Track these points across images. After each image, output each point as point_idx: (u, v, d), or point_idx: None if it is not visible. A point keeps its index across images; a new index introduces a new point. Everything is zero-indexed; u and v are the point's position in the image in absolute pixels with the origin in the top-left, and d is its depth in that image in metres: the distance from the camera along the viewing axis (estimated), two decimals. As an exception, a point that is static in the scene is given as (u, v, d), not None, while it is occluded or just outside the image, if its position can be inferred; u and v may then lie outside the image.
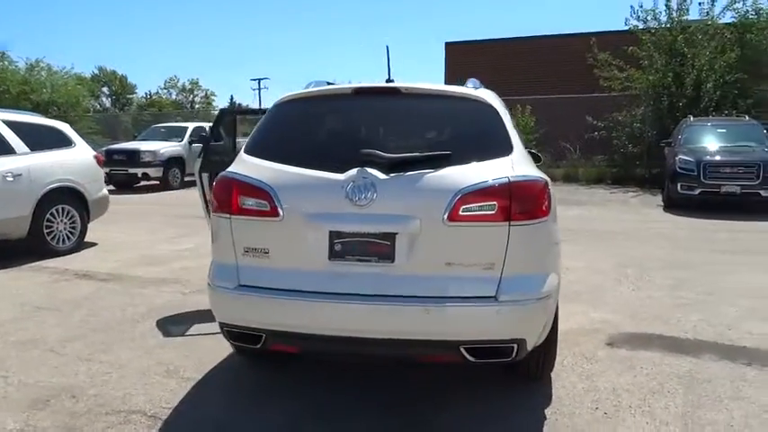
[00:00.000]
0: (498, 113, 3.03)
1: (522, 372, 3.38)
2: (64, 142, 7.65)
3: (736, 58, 13.86)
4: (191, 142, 16.06)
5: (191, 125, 17.18)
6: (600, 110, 15.29)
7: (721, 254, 7.19)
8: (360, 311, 2.72)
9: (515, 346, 2.74)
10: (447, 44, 22.75)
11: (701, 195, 10.23)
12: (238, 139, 4.98)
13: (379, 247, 2.74)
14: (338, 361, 3.65)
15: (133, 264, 6.71)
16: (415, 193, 2.73)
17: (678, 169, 10.48)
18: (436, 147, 2.88)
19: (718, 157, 10.39)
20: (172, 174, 15.43)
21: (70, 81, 26.51)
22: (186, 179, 16.05)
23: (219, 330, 3.43)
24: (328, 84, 3.52)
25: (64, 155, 7.48)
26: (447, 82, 23.05)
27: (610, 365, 3.75)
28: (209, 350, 3.99)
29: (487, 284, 2.70)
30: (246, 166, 2.99)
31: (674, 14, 14.85)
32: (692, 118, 12.19)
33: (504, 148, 2.89)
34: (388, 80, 3.41)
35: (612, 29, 16.62)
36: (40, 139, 7.26)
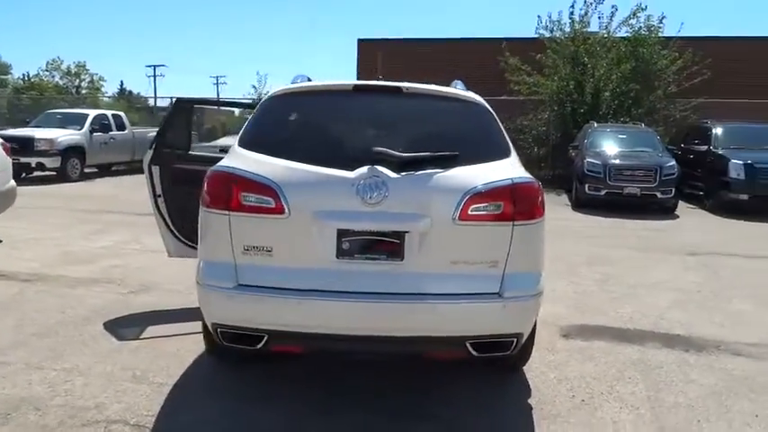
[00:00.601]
0: (494, 116, 3.15)
1: (501, 365, 3.52)
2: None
3: (631, 70, 15.07)
4: (92, 131, 15.06)
5: (92, 112, 16.04)
6: (509, 113, 16.00)
7: (632, 250, 7.82)
8: (369, 310, 2.73)
9: (515, 340, 2.87)
10: (360, 41, 22.82)
11: (606, 196, 11.05)
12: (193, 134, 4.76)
13: (389, 246, 2.76)
14: (329, 358, 3.61)
15: (53, 263, 6.20)
16: (425, 192, 2.77)
17: (586, 171, 11.25)
18: (439, 147, 2.93)
19: (621, 161, 11.26)
20: (71, 164, 14.31)
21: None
22: (87, 170, 15.00)
23: (201, 331, 3.34)
24: (308, 79, 3.47)
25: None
26: (359, 79, 23.22)
27: (570, 355, 4.00)
28: (171, 354, 3.81)
29: (492, 281, 2.80)
30: (245, 160, 2.88)
31: (577, 26, 15.88)
32: (595, 124, 13.11)
33: (504, 151, 3.01)
34: (378, 78, 3.43)
35: (523, 35, 17.46)
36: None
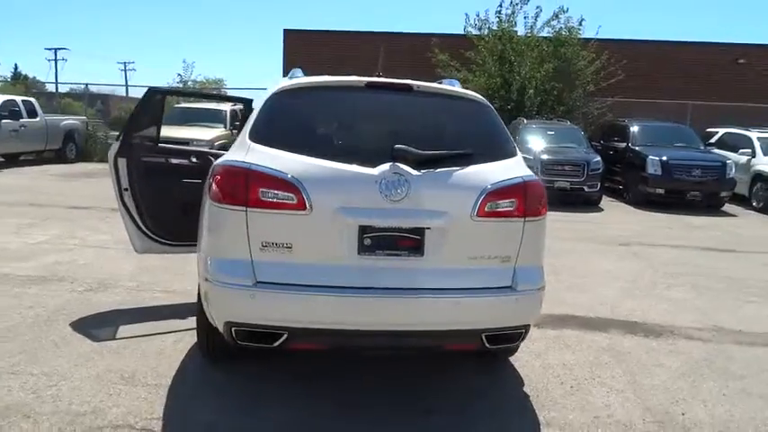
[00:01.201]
0: (498, 117, 3.25)
1: (491, 356, 3.66)
2: None
3: (554, 69, 15.79)
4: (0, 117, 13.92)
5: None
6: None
7: (572, 242, 8.25)
8: (390, 305, 2.77)
9: (523, 331, 3.00)
10: (286, 31, 22.40)
11: (538, 189, 11.55)
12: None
13: (410, 242, 2.80)
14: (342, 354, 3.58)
15: (-10, 259, 5.73)
16: (445, 189, 2.83)
17: (520, 166, 11.70)
18: (451, 145, 3.00)
19: (551, 156, 11.81)
20: (-26, 153, 13.17)
21: None
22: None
23: (191, 329, 3.22)
24: (305, 74, 3.43)
25: None
26: (285, 70, 22.79)
27: (547, 344, 4.21)
28: (156, 353, 3.67)
29: (505, 276, 2.91)
30: (262, 155, 2.81)
31: (504, 25, 16.42)
32: (525, 120, 13.65)
33: (510, 150, 3.13)
34: (378, 74, 3.43)
35: (452, 32, 17.85)
36: None
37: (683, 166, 11.67)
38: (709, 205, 11.93)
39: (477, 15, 16.72)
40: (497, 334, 2.92)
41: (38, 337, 3.84)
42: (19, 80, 42.38)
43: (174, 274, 5.46)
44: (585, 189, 11.56)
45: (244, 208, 2.74)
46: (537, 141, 12.41)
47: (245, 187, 2.74)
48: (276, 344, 2.78)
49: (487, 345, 2.94)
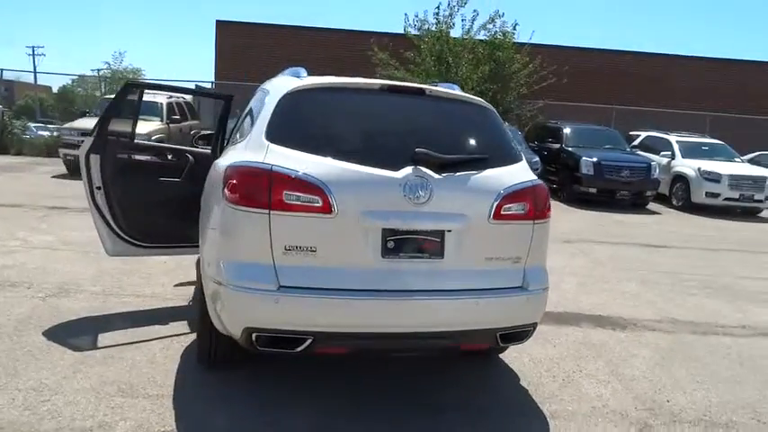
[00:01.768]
0: (502, 122, 3.35)
1: (483, 353, 3.78)
2: None
3: (490, 72, 16.28)
4: None
5: None
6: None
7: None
8: (414, 307, 2.80)
9: (531, 329, 3.12)
10: (218, 22, 21.81)
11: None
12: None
13: (431, 245, 2.84)
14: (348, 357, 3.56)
15: (-75, 264, 5.27)
16: (464, 192, 2.90)
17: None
18: (464, 149, 3.07)
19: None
20: None
21: None
22: None
23: (176, 335, 3.14)
24: (307, 73, 3.40)
25: None
26: (218, 63, 22.19)
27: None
28: (147, 362, 3.53)
29: (517, 276, 3.02)
30: (283, 157, 2.76)
31: (443, 27, 16.73)
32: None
33: (516, 155, 3.23)
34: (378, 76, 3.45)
35: (392, 31, 18.00)
36: None
37: (614, 167, 12.36)
38: (635, 203, 12.70)
39: (417, 16, 16.96)
40: (510, 332, 3.03)
41: (10, 348, 3.58)
42: None
43: (140, 278, 5.24)
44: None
45: (267, 211, 2.68)
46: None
47: (268, 190, 2.68)
48: (299, 349, 2.75)
49: (500, 343, 3.05)
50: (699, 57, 23.01)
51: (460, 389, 3.48)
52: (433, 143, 2.95)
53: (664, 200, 13.62)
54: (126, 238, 4.32)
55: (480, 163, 3.00)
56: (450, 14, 16.76)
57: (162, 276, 5.35)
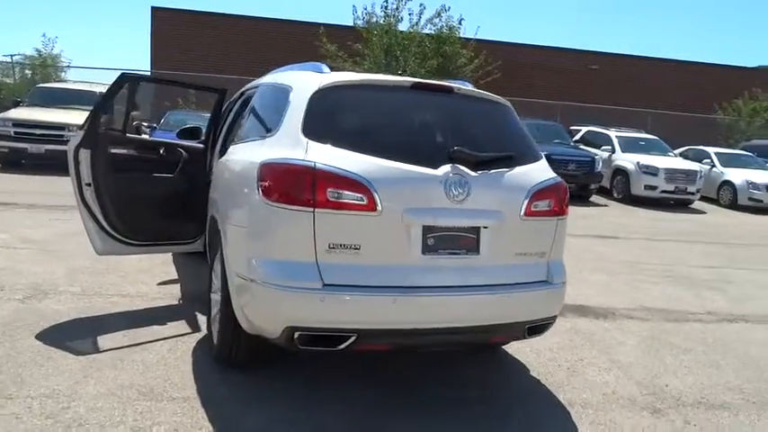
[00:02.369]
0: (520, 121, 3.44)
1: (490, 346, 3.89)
2: None
3: (437, 66, 16.49)
4: None
5: None
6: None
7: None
8: (453, 303, 2.85)
9: (552, 321, 3.24)
10: (154, 9, 20.93)
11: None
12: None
13: (467, 241, 2.90)
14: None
15: None
16: (498, 190, 2.97)
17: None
18: (493, 147, 3.12)
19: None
20: None
21: None
22: None
23: (179, 335, 3.08)
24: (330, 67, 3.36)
25: None
26: (153, 51, 21.32)
27: (524, 330, 4.53)
28: (158, 363, 3.42)
29: (542, 271, 3.13)
30: (324, 154, 2.73)
31: (391, 20, 16.79)
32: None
33: (537, 153, 3.33)
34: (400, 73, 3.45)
35: (341, 23, 17.86)
36: None
37: (561, 160, 12.83)
38: (580, 196, 13.26)
39: (365, 9, 16.93)
40: (536, 325, 3.13)
41: (7, 354, 3.37)
42: None
43: (118, 277, 5.04)
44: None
45: (311, 209, 2.65)
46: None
47: (313, 187, 2.65)
48: (342, 346, 2.74)
49: (526, 336, 3.15)
50: (639, 56, 24.24)
51: (479, 382, 3.56)
52: (463, 141, 3.00)
53: (605, 192, 14.30)
54: (116, 236, 4.13)
55: (509, 161, 3.08)
56: (398, 7, 16.85)
57: (139, 275, 5.15)
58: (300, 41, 18.55)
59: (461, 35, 17.20)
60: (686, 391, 3.67)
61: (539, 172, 3.18)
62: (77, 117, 11.75)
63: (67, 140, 11.12)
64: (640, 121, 19.19)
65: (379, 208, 2.70)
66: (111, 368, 3.30)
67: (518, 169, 3.09)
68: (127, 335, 3.79)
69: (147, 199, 4.22)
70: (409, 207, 2.77)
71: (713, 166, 15.12)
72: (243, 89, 4.69)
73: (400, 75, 16.11)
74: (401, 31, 16.91)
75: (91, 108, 12.49)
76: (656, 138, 15.34)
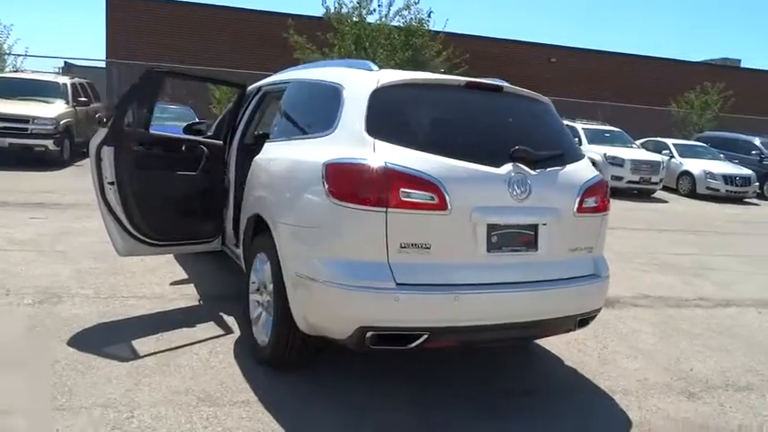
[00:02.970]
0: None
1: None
2: None
3: (408, 59, 16.50)
4: None
5: None
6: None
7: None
8: (517, 299, 2.91)
9: (598, 312, 3.35)
10: (109, -4, 20.15)
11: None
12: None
13: (527, 238, 2.96)
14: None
15: None
16: (555, 187, 3.04)
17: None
18: (543, 145, 3.17)
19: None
20: None
21: None
22: None
23: (214, 337, 3.05)
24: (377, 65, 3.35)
25: None
26: (109, 39, 20.53)
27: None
28: (204, 368, 3.36)
29: (590, 265, 3.23)
30: (393, 154, 2.73)
31: (362, 11, 16.66)
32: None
33: (579, 151, 3.42)
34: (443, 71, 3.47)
35: (309, 13, 17.64)
36: None
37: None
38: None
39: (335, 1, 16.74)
40: (585, 317, 3.23)
41: (45, 364, 3.24)
42: None
43: (127, 278, 4.89)
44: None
45: (383, 209, 2.66)
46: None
47: (385, 188, 2.66)
48: (413, 345, 2.76)
49: (575, 328, 3.25)
50: (598, 50, 24.92)
51: (519, 373, 3.66)
52: (518, 139, 3.05)
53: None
54: (138, 236, 4.01)
55: (560, 159, 3.16)
56: (368, -1, 16.72)
57: (148, 275, 5.01)
58: (268, 32, 18.28)
59: (430, 28, 17.25)
60: (710, 374, 3.85)
61: (585, 170, 3.27)
62: (43, 109, 11.27)
63: (31, 133, 10.81)
64: (598, 112, 19.79)
65: (449, 207, 2.73)
66: (158, 374, 3.22)
67: (569, 167, 3.17)
68: (160, 339, 3.69)
69: (171, 198, 4.11)
70: (477, 206, 2.80)
71: (672, 156, 15.73)
72: (259, 85, 4.61)
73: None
74: (370, 24, 16.83)
75: (55, 99, 11.99)
76: (619, 130, 15.84)
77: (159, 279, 4.94)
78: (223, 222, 4.40)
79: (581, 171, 3.23)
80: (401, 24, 17.18)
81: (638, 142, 16.07)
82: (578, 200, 3.10)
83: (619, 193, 13.88)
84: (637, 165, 13.91)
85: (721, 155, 16.29)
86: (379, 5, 16.80)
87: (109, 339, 3.63)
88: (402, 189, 2.67)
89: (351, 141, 2.86)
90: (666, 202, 14.23)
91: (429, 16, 17.16)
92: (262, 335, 3.39)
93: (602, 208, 3.25)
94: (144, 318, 4.06)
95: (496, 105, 3.28)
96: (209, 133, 5.18)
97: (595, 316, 3.34)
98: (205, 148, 4.29)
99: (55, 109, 11.57)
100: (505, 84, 3.37)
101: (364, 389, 3.23)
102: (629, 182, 13.88)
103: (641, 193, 14.48)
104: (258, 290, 3.51)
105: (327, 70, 3.59)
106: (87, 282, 4.73)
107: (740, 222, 11.93)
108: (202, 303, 4.47)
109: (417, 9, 17.03)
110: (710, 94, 21.27)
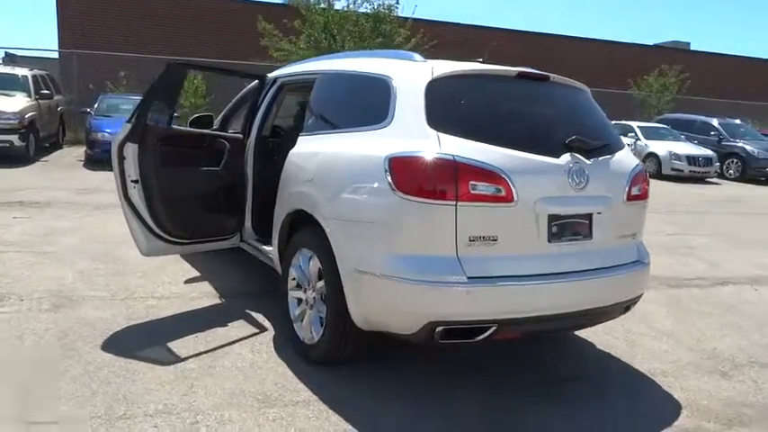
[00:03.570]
0: None
1: None
2: None
3: (379, 46, 16.36)
4: None
5: None
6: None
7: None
8: (577, 287, 2.94)
9: (640, 298, 3.43)
10: (60, -19, 19.20)
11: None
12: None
13: (582, 227, 3.00)
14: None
15: None
16: (607, 176, 3.09)
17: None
18: (590, 134, 3.19)
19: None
20: None
21: None
22: None
23: (250, 336, 3.03)
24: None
25: None
26: (60, 30, 19.58)
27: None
28: (251, 368, 3.29)
29: (634, 251, 3.30)
30: (459, 146, 2.70)
31: (331, -1, 16.43)
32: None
33: (621, 140, 3.47)
34: (481, 60, 3.46)
35: (278, 2, 17.27)
36: None
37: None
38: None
39: (301, -13, 16.43)
40: (631, 303, 3.30)
41: (88, 371, 3.11)
42: None
43: (138, 278, 4.75)
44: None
45: (453, 203, 2.64)
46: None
47: (455, 181, 2.64)
48: (480, 338, 2.77)
49: (622, 314, 3.32)
50: (549, 33, 25.20)
51: (558, 360, 3.72)
52: (569, 129, 3.08)
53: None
54: (163, 235, 3.88)
55: (607, 148, 3.20)
56: (335, -15, 16.49)
57: (159, 274, 4.87)
58: (230, 18, 17.86)
59: (399, 14, 17.14)
60: (734, 352, 4.00)
61: (629, 158, 3.34)
62: (6, 103, 10.73)
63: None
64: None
65: (516, 199, 2.73)
66: (207, 376, 3.14)
67: (616, 156, 3.22)
68: (197, 340, 3.59)
69: (196, 194, 3.99)
70: (540, 197, 2.82)
71: (638, 139, 16.19)
72: (273, 77, 4.48)
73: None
74: (337, 10, 16.61)
75: (15, 92, 11.42)
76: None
77: (171, 278, 4.80)
78: (243, 218, 4.30)
79: (626, 160, 3.29)
80: (369, 11, 17.02)
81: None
82: (626, 188, 3.16)
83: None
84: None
85: (682, 136, 16.86)
86: (347, -9, 16.59)
87: (143, 343, 3.52)
88: (471, 182, 2.66)
89: (411, 134, 2.82)
90: (635, 183, 14.64)
91: (397, 2, 17.06)
92: (308, 332, 3.34)
93: (644, 195, 3.32)
94: (172, 319, 3.95)
95: (545, 95, 3.29)
96: (214, 126, 5.05)
97: (638, 301, 3.42)
98: (227, 143, 4.16)
99: (18, 103, 11.04)
100: (553, 75, 3.38)
101: (424, 384, 3.22)
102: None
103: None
104: (299, 286, 3.45)
105: (366, 61, 3.53)
106: (96, 283, 4.56)
107: (706, 201, 12.38)
108: (225, 301, 4.37)
109: (385, -5, 16.89)
110: (668, 76, 21.90)
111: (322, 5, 16.34)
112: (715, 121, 17.73)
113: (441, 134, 2.76)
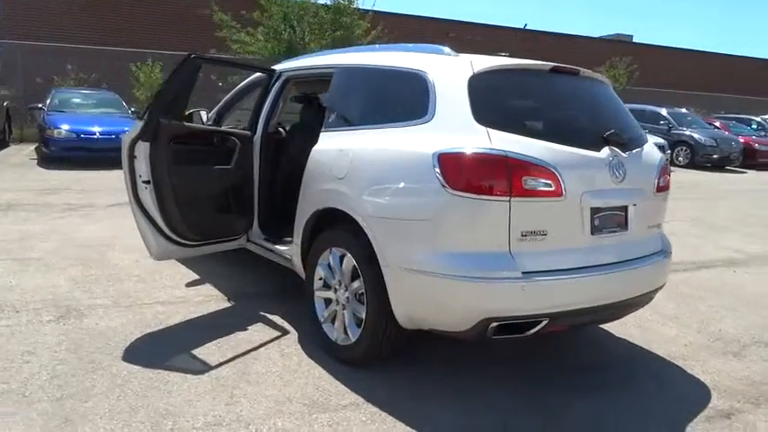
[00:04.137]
0: None
1: None
2: None
3: (340, 37, 16.20)
4: None
5: None
6: (224, 72, 15.37)
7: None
8: (618, 278, 2.99)
9: (662, 288, 3.52)
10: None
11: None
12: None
13: (619, 219, 3.05)
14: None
15: None
16: (641, 169, 3.15)
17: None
18: (620, 128, 3.23)
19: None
20: None
21: None
22: None
23: (274, 339, 2.99)
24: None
25: None
26: (1, 19, 18.45)
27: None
28: (286, 371, 3.22)
29: (659, 241, 3.39)
30: (508, 142, 2.69)
31: (288, -10, 16.10)
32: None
33: (643, 133, 3.54)
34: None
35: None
36: None
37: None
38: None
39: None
40: (657, 292, 3.39)
41: (116, 384, 2.96)
42: None
43: (137, 283, 4.57)
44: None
45: (507, 198, 2.63)
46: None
47: (508, 176, 2.63)
48: (531, 332, 2.78)
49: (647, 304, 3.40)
50: (503, 26, 25.56)
51: (578, 350, 3.78)
52: (603, 122, 3.13)
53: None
54: (174, 238, 3.72)
55: (636, 141, 3.26)
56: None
57: (156, 278, 4.69)
58: (182, 10, 17.29)
59: (359, 6, 17.01)
60: (738, 333, 4.17)
61: (654, 151, 3.41)
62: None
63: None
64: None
65: (564, 193, 2.75)
66: (245, 383, 3.03)
67: (645, 149, 3.29)
68: (219, 346, 3.47)
69: (209, 194, 3.83)
70: (586, 190, 2.85)
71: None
72: (280, 70, 4.34)
73: (301, 47, 15.69)
74: (296, 2, 16.33)
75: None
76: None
77: (171, 282, 4.62)
78: (253, 217, 4.17)
79: (653, 152, 3.37)
80: (329, 2, 16.82)
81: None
82: (656, 180, 3.23)
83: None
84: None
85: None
86: (305, -18, 16.32)
87: (165, 351, 3.37)
88: (524, 177, 2.66)
89: (457, 130, 2.79)
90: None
91: (357, -7, 16.91)
92: (340, 332, 3.28)
93: (667, 186, 3.40)
94: (186, 324, 3.80)
95: (577, 89, 3.31)
96: (208, 122, 4.88)
97: (660, 290, 3.51)
98: (237, 140, 4.02)
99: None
100: (583, 69, 3.40)
101: (463, 381, 3.21)
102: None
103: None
104: (327, 286, 3.38)
105: (393, 55, 3.45)
106: (94, 290, 4.34)
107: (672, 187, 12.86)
108: (235, 304, 4.24)
109: (346, -13, 16.72)
110: (618, 68, 22.59)
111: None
112: (664, 111, 18.41)
113: (490, 130, 2.74)
